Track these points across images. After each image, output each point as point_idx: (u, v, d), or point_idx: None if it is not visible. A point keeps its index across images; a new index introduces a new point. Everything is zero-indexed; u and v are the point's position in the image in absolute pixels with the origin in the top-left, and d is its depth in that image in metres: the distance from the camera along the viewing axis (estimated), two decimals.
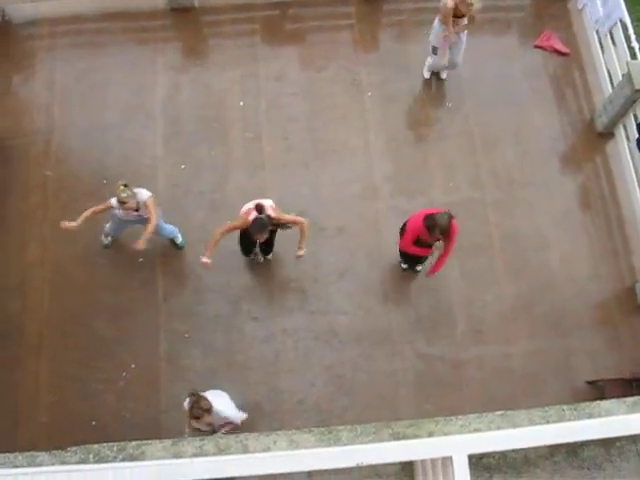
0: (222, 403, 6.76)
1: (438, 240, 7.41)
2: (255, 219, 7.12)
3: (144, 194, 7.52)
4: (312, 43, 10.11)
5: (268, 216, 7.18)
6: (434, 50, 9.25)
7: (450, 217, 7.12)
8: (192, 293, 8.49)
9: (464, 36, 9.08)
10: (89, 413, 7.87)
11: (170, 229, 8.40)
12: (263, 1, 10.34)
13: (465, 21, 8.82)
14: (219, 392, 7.04)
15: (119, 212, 7.58)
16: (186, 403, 6.58)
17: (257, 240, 7.68)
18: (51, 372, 8.06)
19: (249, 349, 8.20)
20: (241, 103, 9.57)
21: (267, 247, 8.26)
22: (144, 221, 7.70)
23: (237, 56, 9.93)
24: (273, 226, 7.33)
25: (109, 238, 8.54)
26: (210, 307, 8.41)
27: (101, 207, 7.51)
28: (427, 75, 9.80)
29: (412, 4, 10.39)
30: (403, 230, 7.77)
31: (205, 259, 7.49)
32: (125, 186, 7.23)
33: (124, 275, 8.53)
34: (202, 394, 6.52)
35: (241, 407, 7.28)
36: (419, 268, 8.53)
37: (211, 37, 10.17)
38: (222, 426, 7.02)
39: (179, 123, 9.43)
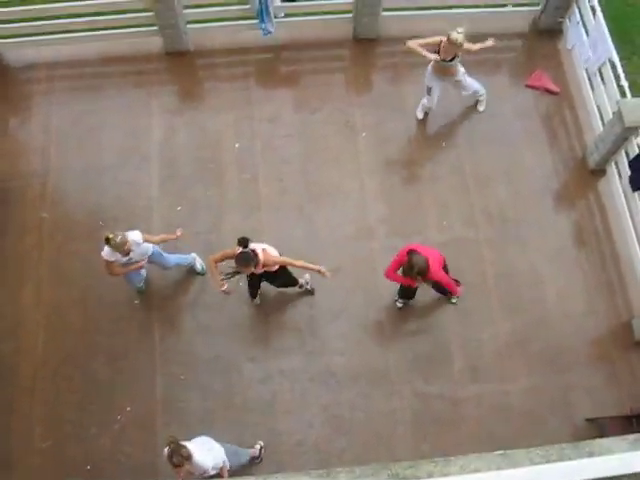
0: (204, 454, 6.51)
1: (417, 280, 7.49)
2: (239, 253, 7.19)
3: (137, 235, 7.54)
4: (306, 85, 10.25)
5: (253, 251, 7.23)
6: (428, 90, 9.38)
7: (427, 261, 7.20)
8: (189, 335, 8.46)
9: (461, 76, 9.29)
10: (84, 457, 7.79)
11: (176, 258, 8.39)
12: (257, 44, 10.48)
13: (457, 66, 9.04)
14: (206, 440, 6.90)
15: (119, 261, 7.55)
16: (166, 450, 6.44)
17: (250, 275, 7.72)
18: (45, 415, 7.99)
19: (246, 390, 8.16)
20: (236, 145, 9.66)
21: (275, 280, 8.23)
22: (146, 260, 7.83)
23: (232, 99, 10.06)
24: (258, 266, 7.33)
25: (140, 284, 8.55)
26: (207, 349, 8.37)
27: (112, 269, 7.58)
28: (420, 115, 9.90)
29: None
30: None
31: (220, 288, 7.56)
32: (112, 235, 7.16)
33: (120, 317, 8.51)
34: (182, 442, 6.37)
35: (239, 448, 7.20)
36: (411, 302, 8.58)
37: (206, 80, 10.31)
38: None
39: (175, 165, 9.51)
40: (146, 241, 7.65)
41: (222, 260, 7.47)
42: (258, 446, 7.65)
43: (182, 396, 8.11)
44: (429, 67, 9.15)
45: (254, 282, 8.17)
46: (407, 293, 8.33)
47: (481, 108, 9.94)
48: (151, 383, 8.17)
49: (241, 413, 8.03)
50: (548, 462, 4.63)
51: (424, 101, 9.69)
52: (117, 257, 7.43)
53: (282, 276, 8.01)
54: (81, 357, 8.30)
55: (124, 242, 7.22)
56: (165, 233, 8.20)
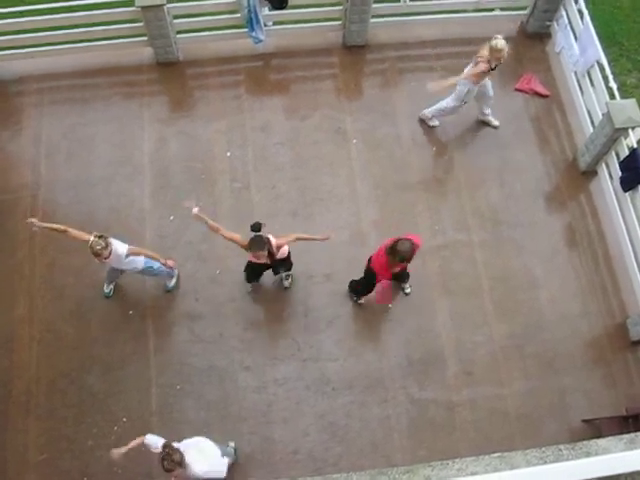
0: (197, 459, 6.43)
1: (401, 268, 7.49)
2: (253, 237, 7.25)
3: (123, 247, 7.55)
4: (296, 93, 10.27)
5: (267, 238, 7.30)
6: (467, 95, 9.23)
7: (412, 244, 7.12)
8: (183, 345, 8.43)
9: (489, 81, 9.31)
10: (80, 470, 7.75)
11: (161, 268, 8.34)
12: (247, 53, 10.51)
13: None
14: (202, 440, 6.86)
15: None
16: (159, 452, 6.35)
17: (260, 265, 7.76)
18: (40, 429, 7.95)
19: (242, 400, 8.13)
20: (228, 154, 9.66)
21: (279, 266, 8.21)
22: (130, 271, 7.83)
23: (223, 107, 10.06)
24: (270, 254, 7.38)
25: (110, 286, 8.52)
26: (202, 358, 8.35)
27: (78, 236, 7.52)
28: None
29: (394, 52, 10.60)
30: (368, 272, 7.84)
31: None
32: (100, 237, 7.23)
33: (114, 329, 8.48)
34: (176, 446, 6.33)
35: (227, 454, 7.16)
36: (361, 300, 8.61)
37: (197, 89, 10.31)
38: None
39: (167, 175, 9.50)
40: (133, 254, 7.66)
41: (229, 239, 7.44)
42: (232, 449, 7.60)
43: (178, 406, 8.07)
44: (466, 83, 8.98)
45: (258, 270, 8.16)
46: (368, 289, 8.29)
47: (496, 123, 9.92)
48: (146, 394, 8.14)
49: (237, 422, 8.00)
50: (545, 463, 4.63)
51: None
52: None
53: (288, 260, 8.04)
54: (76, 370, 8.26)
55: (101, 252, 7.23)
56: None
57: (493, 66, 8.74)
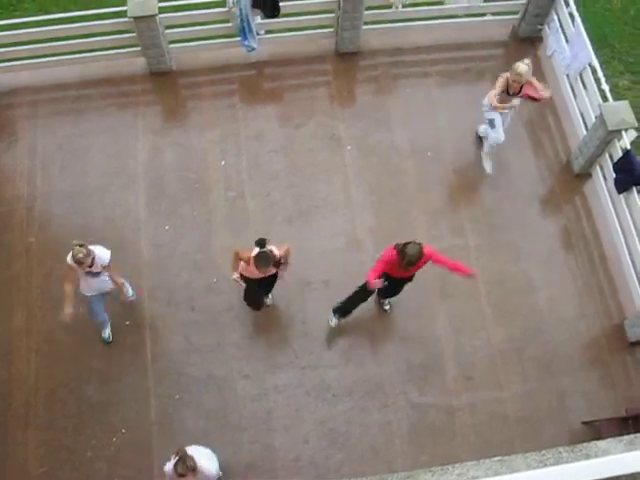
0: (207, 463, 6.56)
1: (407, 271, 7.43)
2: (259, 253, 7.18)
3: (106, 255, 7.47)
4: (290, 100, 10.29)
5: (271, 251, 7.23)
6: (491, 123, 9.09)
7: (421, 248, 7.08)
8: (181, 354, 8.42)
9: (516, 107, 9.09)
10: None
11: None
12: (240, 62, 10.53)
13: (516, 100, 8.82)
14: (202, 449, 6.88)
15: (80, 274, 7.51)
16: (168, 464, 6.38)
17: (261, 282, 7.73)
18: (40, 441, 7.92)
19: (242, 408, 8.11)
20: (222, 162, 9.67)
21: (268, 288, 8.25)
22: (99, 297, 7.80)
23: (217, 116, 10.07)
24: (275, 264, 7.32)
25: (106, 330, 8.41)
26: (200, 367, 8.33)
27: (69, 274, 7.46)
28: (489, 169, 9.55)
29: (387, 58, 10.64)
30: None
31: (235, 275, 7.61)
32: (81, 246, 7.16)
33: (112, 339, 8.44)
34: (189, 453, 6.36)
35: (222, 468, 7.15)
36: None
37: (191, 99, 10.32)
38: None
39: (161, 185, 9.50)
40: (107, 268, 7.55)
41: (240, 260, 7.43)
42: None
43: (177, 416, 8.06)
44: (486, 100, 8.92)
45: (262, 287, 8.08)
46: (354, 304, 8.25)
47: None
48: (145, 404, 8.12)
49: (237, 431, 7.98)
50: (545, 466, 4.62)
51: (491, 138, 9.25)
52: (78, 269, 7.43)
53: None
54: (74, 381, 8.23)
55: (83, 260, 7.17)
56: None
57: (509, 89, 8.60)
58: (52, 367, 8.31)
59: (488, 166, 9.56)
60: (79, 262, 7.19)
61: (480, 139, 9.67)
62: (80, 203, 9.34)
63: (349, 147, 9.83)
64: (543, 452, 4.76)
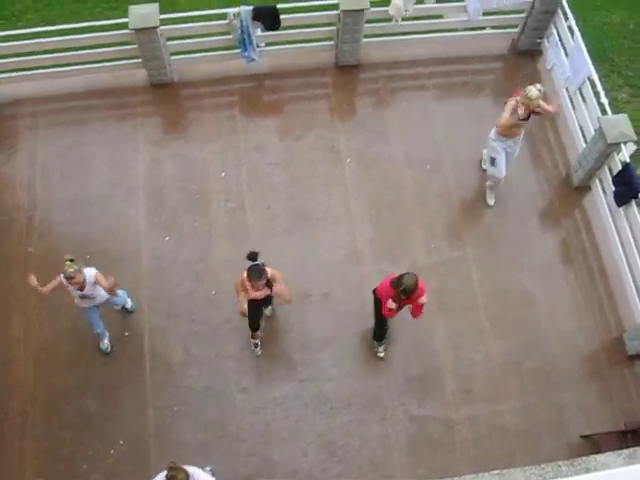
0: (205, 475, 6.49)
1: (403, 302, 7.43)
2: (251, 267, 7.16)
3: (90, 272, 7.43)
4: (290, 113, 10.32)
5: (262, 264, 7.22)
6: (492, 161, 9.02)
7: (416, 278, 7.13)
8: (180, 366, 8.40)
9: (520, 139, 8.99)
10: None
11: (123, 297, 8.29)
12: (241, 74, 10.57)
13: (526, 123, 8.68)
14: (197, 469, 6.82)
15: (74, 294, 7.51)
16: (160, 477, 6.30)
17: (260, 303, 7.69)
18: (36, 452, 7.89)
19: (240, 420, 8.09)
20: (222, 174, 9.68)
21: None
22: (102, 304, 7.77)
23: (217, 128, 10.10)
24: (267, 282, 7.30)
25: (104, 341, 8.36)
26: (199, 379, 8.32)
27: (52, 284, 7.44)
28: (492, 201, 9.50)
29: (386, 71, 10.68)
30: (376, 304, 7.79)
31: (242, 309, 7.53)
32: (71, 261, 7.14)
33: (110, 350, 8.43)
34: (181, 466, 6.26)
35: None
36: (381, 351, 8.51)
37: (191, 110, 10.35)
38: None
39: (161, 196, 9.51)
40: (97, 283, 7.48)
41: (244, 287, 7.37)
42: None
43: (175, 428, 8.03)
44: (493, 133, 8.80)
45: (256, 308, 7.96)
46: (382, 329, 8.26)
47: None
48: (143, 416, 8.09)
49: (235, 443, 7.96)
50: None
51: (491, 174, 9.18)
52: (70, 288, 7.41)
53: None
54: (72, 392, 8.21)
55: (74, 274, 7.15)
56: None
57: (521, 114, 8.42)
58: (50, 377, 8.29)
59: (491, 199, 9.54)
60: (69, 277, 7.17)
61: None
62: (80, 213, 9.35)
63: (349, 160, 9.85)
64: (542, 466, 4.77)
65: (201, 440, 7.96)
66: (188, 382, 8.30)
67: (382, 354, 8.44)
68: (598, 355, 8.57)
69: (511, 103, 8.48)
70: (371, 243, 9.20)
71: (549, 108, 8.63)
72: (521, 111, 8.43)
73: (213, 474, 7.43)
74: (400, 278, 7.14)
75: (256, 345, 8.39)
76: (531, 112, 8.48)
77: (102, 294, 7.69)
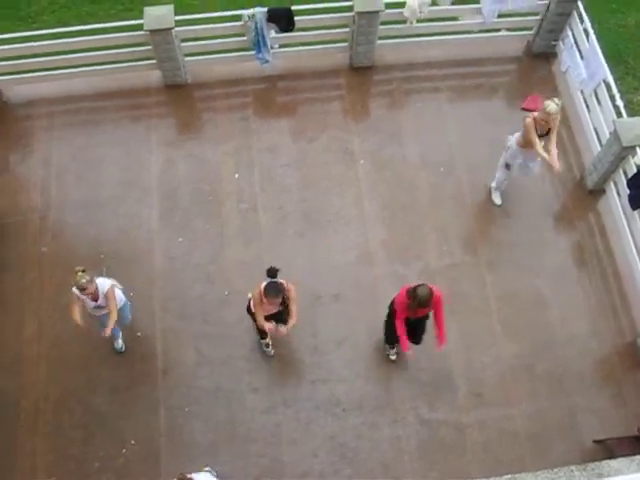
0: None
1: (421, 313, 7.38)
2: (269, 283, 7.14)
3: (105, 284, 7.38)
4: (304, 114, 10.33)
5: (281, 282, 7.19)
6: (507, 166, 8.99)
7: (430, 288, 7.07)
8: (192, 366, 8.42)
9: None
10: None
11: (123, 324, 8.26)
12: (254, 75, 10.59)
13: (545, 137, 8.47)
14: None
15: (88, 305, 7.45)
16: None
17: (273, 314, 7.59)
18: (48, 451, 7.93)
19: (250, 421, 8.09)
20: (236, 175, 9.70)
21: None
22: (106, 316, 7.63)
23: (230, 129, 10.12)
24: (285, 297, 7.26)
25: (118, 341, 8.38)
26: (210, 380, 8.33)
27: (74, 303, 7.36)
28: (499, 201, 9.48)
29: (400, 73, 10.67)
30: (391, 310, 7.73)
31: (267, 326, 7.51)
32: (83, 271, 7.07)
33: (124, 349, 8.46)
34: (189, 475, 6.30)
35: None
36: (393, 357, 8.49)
37: (205, 111, 10.38)
38: None
39: (175, 197, 9.54)
40: (109, 295, 7.38)
41: (255, 300, 7.36)
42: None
43: (186, 428, 8.05)
44: (514, 143, 8.69)
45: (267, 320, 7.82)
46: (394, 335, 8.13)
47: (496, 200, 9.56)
48: (154, 416, 8.12)
49: (245, 444, 7.96)
50: None
51: (497, 177, 9.27)
52: (84, 298, 7.34)
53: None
54: (83, 391, 8.25)
55: (86, 285, 7.06)
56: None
57: (537, 129, 8.26)
58: (62, 376, 8.33)
59: (497, 199, 9.51)
60: (82, 288, 7.10)
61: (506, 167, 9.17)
62: (93, 214, 9.40)
63: (362, 161, 9.85)
64: (555, 470, 4.75)
65: (212, 440, 7.98)
66: (200, 382, 8.31)
67: (394, 357, 8.42)
68: (611, 359, 8.51)
69: (529, 121, 8.27)
70: (383, 245, 9.18)
71: (552, 163, 8.34)
72: (540, 128, 8.28)
73: (217, 476, 7.47)
74: (415, 290, 7.04)
75: (267, 345, 8.38)
76: (550, 129, 8.31)
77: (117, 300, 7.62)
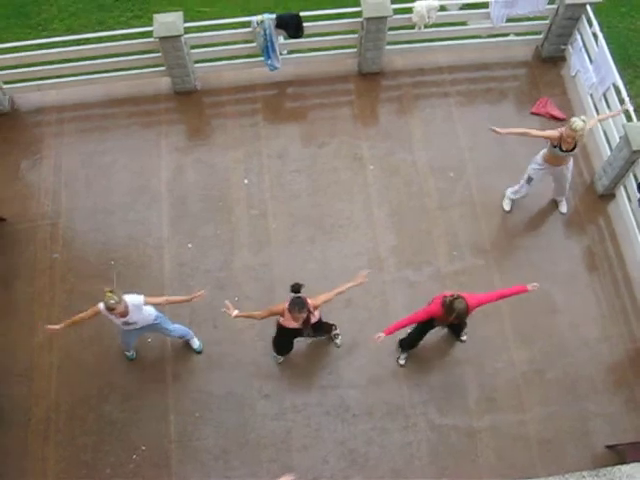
0: None
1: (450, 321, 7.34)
2: (294, 298, 7.11)
3: (135, 299, 7.23)
4: (313, 120, 10.35)
5: (305, 299, 7.14)
6: (529, 180, 8.97)
7: (465, 302, 7.00)
8: (202, 372, 8.43)
9: (571, 165, 8.86)
10: None
11: (180, 330, 8.25)
12: (264, 81, 10.62)
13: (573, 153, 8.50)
14: None
15: (116, 321, 7.36)
16: None
17: (292, 330, 7.57)
18: (59, 458, 7.95)
19: (261, 427, 8.09)
20: (245, 181, 9.72)
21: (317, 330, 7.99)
22: (145, 328, 7.65)
23: (240, 135, 10.15)
24: (307, 317, 7.21)
25: (130, 352, 8.42)
26: (221, 385, 8.34)
27: (88, 313, 7.24)
28: (508, 207, 9.48)
29: (409, 79, 10.68)
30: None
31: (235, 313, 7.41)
32: (111, 292, 6.96)
33: (135, 357, 8.47)
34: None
35: None
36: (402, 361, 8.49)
37: (214, 118, 10.41)
38: None
39: (184, 203, 9.57)
40: (149, 304, 7.40)
41: (268, 316, 7.40)
42: None
43: (196, 434, 8.05)
44: (540, 157, 8.70)
45: (291, 336, 7.88)
46: (414, 341, 8.21)
47: (563, 210, 9.50)
48: (165, 421, 8.13)
49: (256, 450, 7.96)
50: None
51: (516, 189, 9.24)
52: (112, 317, 7.24)
53: (322, 323, 7.86)
54: (94, 398, 8.27)
55: (115, 306, 6.95)
56: (174, 295, 8.07)
57: (562, 145, 8.28)
58: (72, 383, 8.35)
59: (507, 206, 9.50)
60: (111, 308, 6.99)
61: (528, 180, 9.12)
62: (104, 220, 9.43)
63: (372, 167, 9.85)
64: (567, 476, 4.72)
65: (222, 446, 7.98)
66: (210, 388, 8.32)
67: (403, 362, 8.41)
68: (623, 364, 8.47)
69: (553, 134, 8.26)
70: (393, 250, 9.18)
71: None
72: (565, 145, 8.25)
73: None
74: (451, 304, 6.97)
75: (279, 359, 8.41)
76: (576, 145, 8.28)
77: (146, 318, 7.54)
